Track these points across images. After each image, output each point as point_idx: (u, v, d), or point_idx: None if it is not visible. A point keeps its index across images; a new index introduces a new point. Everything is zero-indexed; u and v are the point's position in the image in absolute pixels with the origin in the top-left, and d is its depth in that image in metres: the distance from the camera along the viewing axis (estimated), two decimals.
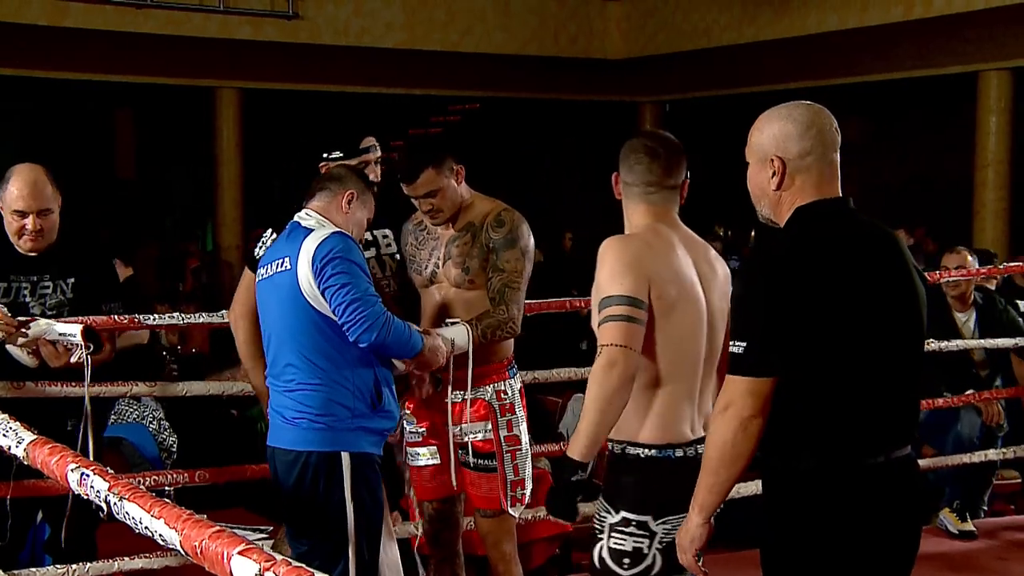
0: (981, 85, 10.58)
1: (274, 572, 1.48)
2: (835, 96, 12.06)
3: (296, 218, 3.40)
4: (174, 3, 10.71)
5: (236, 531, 1.63)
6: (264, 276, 3.40)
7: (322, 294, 3.22)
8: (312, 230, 3.32)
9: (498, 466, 3.59)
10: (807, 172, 2.51)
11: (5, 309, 3.61)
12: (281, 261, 3.34)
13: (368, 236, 3.68)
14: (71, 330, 3.56)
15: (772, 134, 2.53)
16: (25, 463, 2.23)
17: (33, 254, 3.84)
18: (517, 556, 3.74)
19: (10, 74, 10.91)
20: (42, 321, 3.63)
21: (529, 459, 3.66)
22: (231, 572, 1.54)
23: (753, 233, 11.70)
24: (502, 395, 3.59)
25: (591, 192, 15.79)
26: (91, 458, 2.73)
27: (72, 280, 3.87)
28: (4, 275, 3.82)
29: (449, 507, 3.77)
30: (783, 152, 2.51)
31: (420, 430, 3.67)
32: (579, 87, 13.14)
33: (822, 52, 11.13)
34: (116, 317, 3.92)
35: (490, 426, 3.58)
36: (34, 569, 3.85)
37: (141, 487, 1.85)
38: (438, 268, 3.63)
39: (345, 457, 3.28)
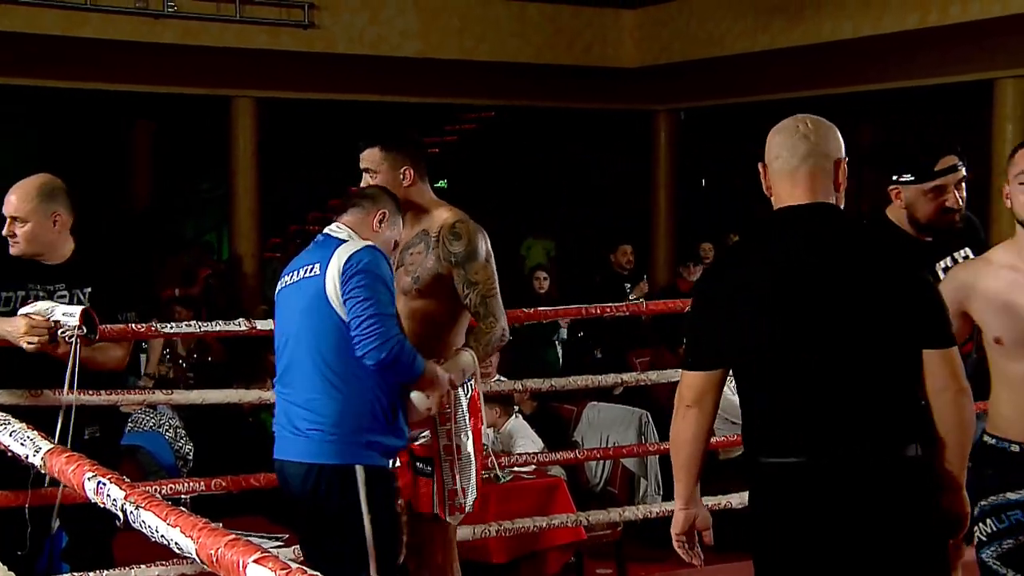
0: (997, 93, 10.52)
1: None
2: (849, 104, 12.01)
3: (327, 230, 3.40)
4: (191, 13, 10.76)
5: (252, 539, 1.63)
6: (288, 283, 3.38)
7: (344, 304, 3.23)
8: (345, 241, 3.33)
9: (435, 472, 3.56)
10: (776, 177, 2.68)
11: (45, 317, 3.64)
12: (310, 267, 3.32)
13: None
14: (71, 310, 3.60)
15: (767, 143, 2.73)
16: (42, 472, 2.25)
17: (51, 263, 3.87)
18: (454, 568, 3.67)
19: (27, 84, 10.97)
20: (44, 302, 3.68)
21: (473, 468, 3.58)
22: None
23: None
24: (443, 404, 3.51)
25: (605, 199, 15.80)
26: (60, 440, 2.74)
27: (88, 290, 3.90)
28: (22, 284, 3.85)
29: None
30: (768, 159, 2.71)
31: None
32: (593, 95, 13.14)
33: (836, 60, 11.09)
34: (132, 326, 3.94)
35: (428, 432, 3.57)
36: None
37: (157, 496, 1.86)
38: None
39: (359, 470, 3.25)
